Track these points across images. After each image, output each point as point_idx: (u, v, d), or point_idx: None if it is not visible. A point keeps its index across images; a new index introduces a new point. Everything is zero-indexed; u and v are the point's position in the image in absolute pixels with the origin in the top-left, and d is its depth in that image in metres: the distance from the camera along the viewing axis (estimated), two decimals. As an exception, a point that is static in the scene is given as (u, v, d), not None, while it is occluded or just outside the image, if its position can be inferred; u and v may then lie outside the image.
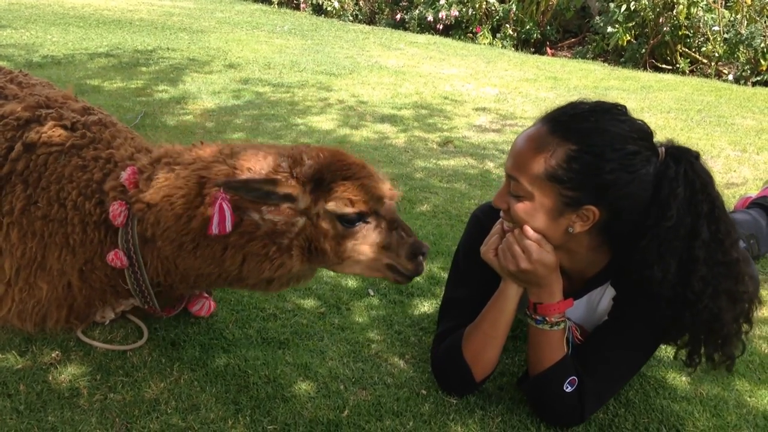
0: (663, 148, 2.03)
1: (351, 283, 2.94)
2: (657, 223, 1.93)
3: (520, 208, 2.01)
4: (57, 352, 2.34)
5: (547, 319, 2.08)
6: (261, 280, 2.17)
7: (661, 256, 1.93)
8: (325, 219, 2.09)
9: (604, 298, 2.22)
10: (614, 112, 2.02)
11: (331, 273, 3.01)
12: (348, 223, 2.10)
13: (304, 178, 2.08)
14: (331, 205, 2.07)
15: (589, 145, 1.94)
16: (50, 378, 2.22)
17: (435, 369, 2.33)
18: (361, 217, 2.11)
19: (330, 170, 2.10)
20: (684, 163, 1.97)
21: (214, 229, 2.02)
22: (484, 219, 2.38)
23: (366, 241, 2.13)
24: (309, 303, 2.77)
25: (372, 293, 2.88)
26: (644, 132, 2.02)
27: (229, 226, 2.02)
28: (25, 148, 2.34)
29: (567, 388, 2.08)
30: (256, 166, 2.09)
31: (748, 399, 2.34)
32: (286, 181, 2.06)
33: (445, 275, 3.04)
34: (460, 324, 2.27)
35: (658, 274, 1.93)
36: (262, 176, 2.07)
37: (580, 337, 2.23)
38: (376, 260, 2.16)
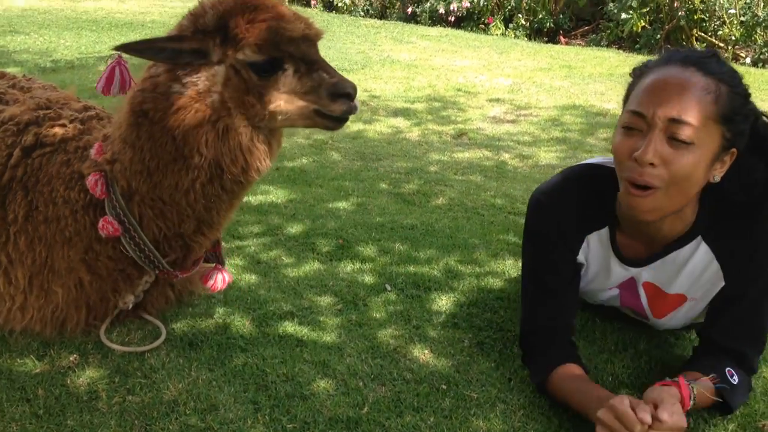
0: None
1: (368, 279, 2.92)
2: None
3: (689, 159, 1.88)
4: (75, 355, 2.34)
5: None
6: (229, 161, 2.09)
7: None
8: (241, 69, 2.02)
9: (698, 262, 2.16)
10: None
11: (347, 269, 2.99)
12: (261, 72, 2.01)
13: (209, 28, 2.00)
14: (240, 54, 1.99)
15: (736, 86, 1.96)
16: (68, 382, 2.22)
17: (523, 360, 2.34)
18: (273, 63, 2.02)
19: (232, 15, 2.00)
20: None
21: (99, 87, 1.98)
22: (547, 203, 2.28)
23: (285, 89, 2.04)
24: (326, 300, 2.75)
25: (389, 288, 2.85)
26: None
27: (116, 90, 1.98)
28: (24, 153, 2.33)
29: (735, 379, 2.07)
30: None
31: None
32: (192, 35, 1.99)
33: (462, 268, 3.02)
34: (552, 317, 2.26)
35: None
36: (170, 34, 2.02)
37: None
38: (302, 107, 2.07)
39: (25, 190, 2.29)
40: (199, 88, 2.02)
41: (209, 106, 2.03)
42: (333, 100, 2.06)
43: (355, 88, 2.10)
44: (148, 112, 2.09)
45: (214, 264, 2.53)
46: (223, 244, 2.62)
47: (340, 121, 2.15)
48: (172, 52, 1.98)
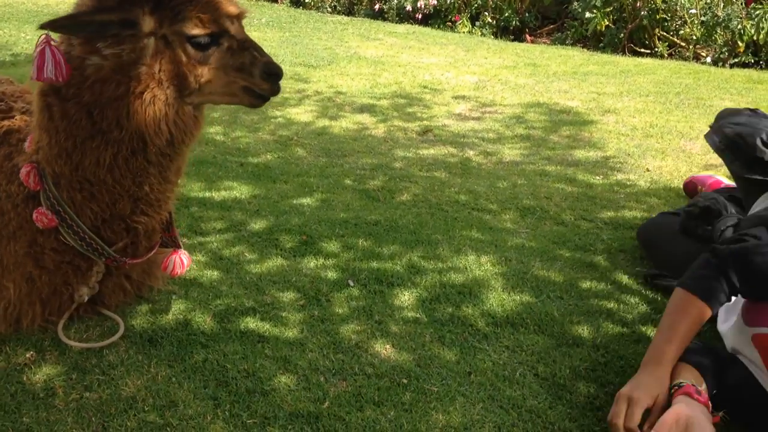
0: None
1: (331, 274, 2.92)
2: None
3: None
4: (31, 352, 2.31)
5: None
6: (153, 133, 2.05)
7: None
8: (176, 41, 2.00)
9: None
10: None
11: (311, 265, 2.99)
12: (200, 46, 2.02)
13: None
14: (180, 27, 1.98)
15: None
16: (24, 378, 2.19)
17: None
18: (213, 38, 2.04)
19: None
20: None
21: (33, 75, 1.92)
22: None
23: (219, 64, 2.06)
24: (288, 296, 2.75)
25: (352, 284, 2.86)
26: None
27: (50, 72, 1.91)
28: None
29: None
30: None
31: (728, 378, 2.35)
32: (118, 5, 1.94)
33: (425, 264, 3.04)
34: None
35: None
36: (89, 7, 1.95)
37: None
38: (231, 83, 2.10)
39: None
40: (124, 59, 1.97)
41: (134, 78, 1.98)
42: (264, 79, 2.11)
43: (282, 70, 2.17)
44: (59, 90, 2.04)
45: (171, 249, 2.50)
46: (176, 228, 2.56)
47: (265, 99, 2.19)
48: (99, 24, 1.92)
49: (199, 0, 2.00)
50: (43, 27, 1.89)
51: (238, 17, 2.12)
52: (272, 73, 2.13)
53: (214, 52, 2.06)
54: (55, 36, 1.99)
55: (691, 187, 3.85)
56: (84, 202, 2.19)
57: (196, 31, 2.00)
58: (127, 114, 2.02)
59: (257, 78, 2.11)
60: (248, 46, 2.12)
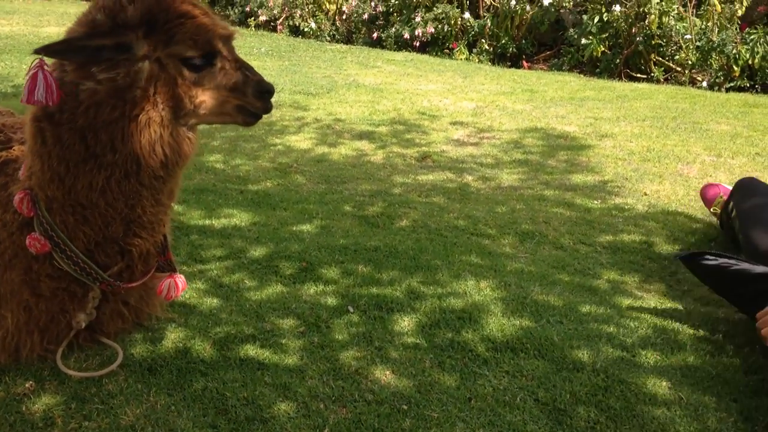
0: None
1: (330, 301, 2.93)
2: None
3: None
4: (30, 382, 2.30)
5: None
6: (148, 155, 2.06)
7: None
8: (171, 64, 2.02)
9: None
10: None
11: (311, 291, 2.99)
12: (194, 68, 2.05)
13: (132, 22, 1.98)
14: (174, 49, 2.00)
15: None
16: (24, 408, 2.18)
17: None
18: (206, 59, 2.06)
19: (161, 9, 2.01)
20: None
21: (24, 98, 1.93)
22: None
23: (213, 84, 2.09)
24: (288, 323, 2.75)
25: (352, 310, 2.86)
26: None
27: (41, 95, 1.92)
28: None
29: None
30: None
31: (728, 402, 2.34)
32: (110, 31, 1.95)
33: (425, 289, 3.04)
34: None
35: None
36: (83, 32, 1.97)
37: None
38: (225, 103, 2.14)
39: None
40: (119, 83, 1.99)
41: (129, 101, 2.01)
42: (258, 97, 2.17)
43: (273, 87, 2.23)
44: (53, 115, 2.06)
45: (167, 273, 2.50)
46: (172, 252, 2.57)
47: (258, 117, 2.24)
48: (94, 49, 1.95)
49: (192, 22, 2.03)
50: (37, 52, 1.91)
51: (229, 38, 2.16)
52: (264, 91, 2.19)
53: (207, 73, 2.09)
54: (48, 61, 2.01)
55: (711, 193, 3.84)
56: (77, 225, 2.20)
57: (190, 53, 2.04)
58: (122, 137, 2.03)
59: (250, 97, 2.16)
60: (240, 66, 2.16)
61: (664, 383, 2.43)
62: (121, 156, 2.07)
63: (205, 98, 2.10)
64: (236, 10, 13.53)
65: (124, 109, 2.00)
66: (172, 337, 2.60)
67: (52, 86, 1.94)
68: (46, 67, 1.95)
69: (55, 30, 11.42)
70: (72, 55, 1.96)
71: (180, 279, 2.48)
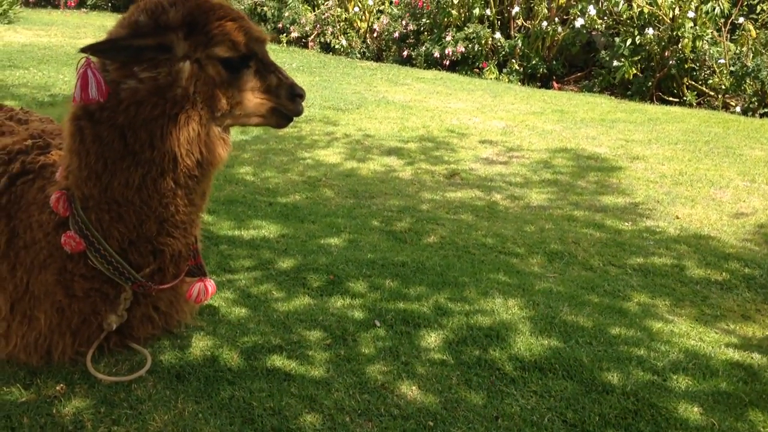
0: None
1: (357, 314, 2.92)
2: None
3: None
4: (62, 384, 2.33)
5: None
6: (185, 153, 2.10)
7: None
8: (209, 65, 2.06)
9: None
10: None
11: (338, 304, 3.00)
12: (232, 68, 2.09)
13: (174, 23, 2.03)
14: (213, 50, 2.04)
15: None
16: (54, 411, 2.20)
17: None
18: (243, 61, 2.10)
19: (201, 12, 2.06)
20: None
21: (77, 96, 1.98)
22: None
23: (248, 86, 2.13)
24: (315, 335, 2.75)
25: (378, 324, 2.85)
26: None
27: (94, 92, 1.98)
28: (10, 181, 2.37)
29: None
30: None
31: (762, 429, 2.29)
32: (153, 31, 2.00)
33: (452, 306, 3.03)
34: None
35: None
36: (126, 33, 2.02)
37: None
38: (260, 104, 2.18)
39: (8, 217, 2.32)
40: (160, 82, 2.04)
41: (170, 100, 2.05)
42: (291, 100, 2.21)
43: (304, 91, 2.28)
44: (93, 113, 2.10)
45: (197, 278, 2.52)
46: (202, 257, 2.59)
47: (290, 120, 2.29)
48: (136, 49, 2.01)
49: (230, 25, 2.08)
50: (83, 51, 1.97)
51: (264, 42, 2.21)
52: (297, 94, 2.23)
53: (243, 75, 2.14)
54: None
55: None
56: (111, 223, 2.24)
57: (228, 54, 2.08)
58: (161, 134, 2.08)
59: (284, 99, 2.21)
60: (273, 69, 2.21)
61: (696, 408, 2.38)
62: (159, 153, 2.11)
63: (241, 99, 2.15)
64: (269, 26, 13.69)
65: (165, 107, 2.05)
66: (200, 345, 2.61)
67: (102, 83, 2.00)
68: (93, 65, 2.00)
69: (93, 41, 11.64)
70: (115, 54, 2.02)
71: (210, 283, 2.50)
